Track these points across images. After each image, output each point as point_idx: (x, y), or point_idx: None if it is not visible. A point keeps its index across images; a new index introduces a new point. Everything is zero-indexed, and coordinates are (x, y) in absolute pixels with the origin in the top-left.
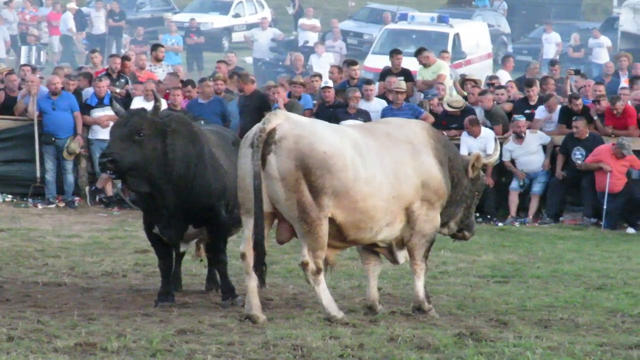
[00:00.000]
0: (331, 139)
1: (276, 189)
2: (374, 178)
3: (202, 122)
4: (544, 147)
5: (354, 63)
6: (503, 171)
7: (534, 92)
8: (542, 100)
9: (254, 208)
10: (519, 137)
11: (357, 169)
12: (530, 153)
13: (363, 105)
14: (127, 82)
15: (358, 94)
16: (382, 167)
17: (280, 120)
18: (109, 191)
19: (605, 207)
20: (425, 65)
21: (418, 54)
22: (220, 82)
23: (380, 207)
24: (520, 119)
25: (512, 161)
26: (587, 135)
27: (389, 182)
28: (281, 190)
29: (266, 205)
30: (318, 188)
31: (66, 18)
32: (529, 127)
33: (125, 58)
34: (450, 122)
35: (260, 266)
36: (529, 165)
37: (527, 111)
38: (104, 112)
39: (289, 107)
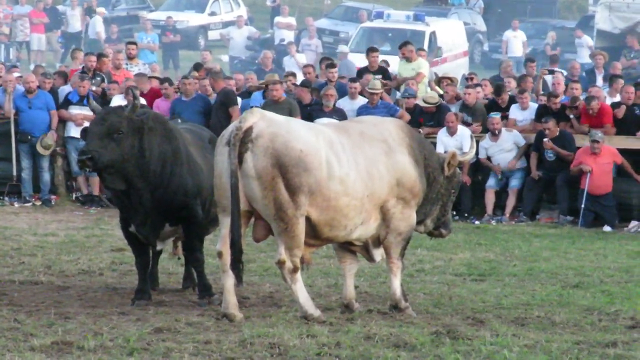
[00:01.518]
0: (307, 137)
1: (253, 187)
2: (348, 177)
3: (179, 121)
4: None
5: (333, 66)
6: (479, 169)
7: (503, 99)
8: (512, 101)
9: (231, 206)
10: (494, 135)
11: (332, 168)
12: (505, 151)
13: (347, 103)
14: (103, 80)
15: (332, 91)
16: (357, 166)
17: (256, 119)
18: (85, 189)
19: (583, 206)
20: (408, 60)
21: (402, 46)
22: (195, 80)
23: (353, 205)
24: (495, 116)
25: (488, 158)
26: (558, 133)
27: (363, 181)
28: (258, 188)
29: (243, 203)
30: (294, 186)
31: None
32: (504, 126)
33: (102, 56)
34: (426, 120)
35: (237, 264)
36: (504, 162)
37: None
38: (81, 111)
39: (287, 106)
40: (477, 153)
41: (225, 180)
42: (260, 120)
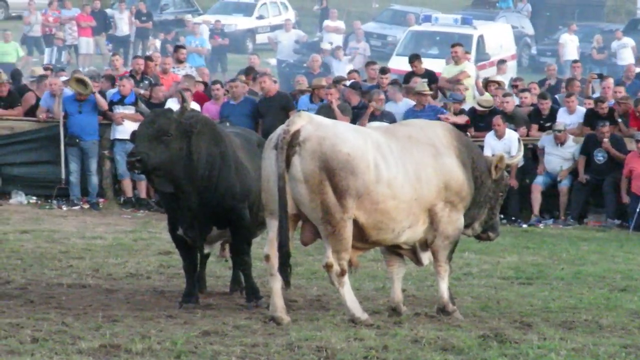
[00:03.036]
0: (354, 141)
1: (300, 190)
2: (396, 180)
3: (228, 124)
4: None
5: (385, 71)
6: (527, 172)
7: (547, 104)
8: (553, 109)
9: (279, 210)
10: (560, 142)
11: (380, 171)
12: (563, 158)
13: (391, 106)
14: (150, 84)
15: (382, 96)
16: (404, 169)
17: (304, 122)
18: (129, 192)
19: (638, 210)
20: (456, 62)
21: (453, 46)
22: (243, 84)
23: (401, 208)
24: (561, 129)
25: (542, 151)
26: (609, 137)
27: (411, 184)
28: (305, 192)
29: (290, 206)
30: (342, 189)
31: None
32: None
33: (148, 59)
34: (477, 121)
35: (285, 268)
36: (556, 165)
37: (541, 122)
38: (124, 110)
39: (341, 110)
40: (525, 155)
41: (273, 183)
42: (308, 123)
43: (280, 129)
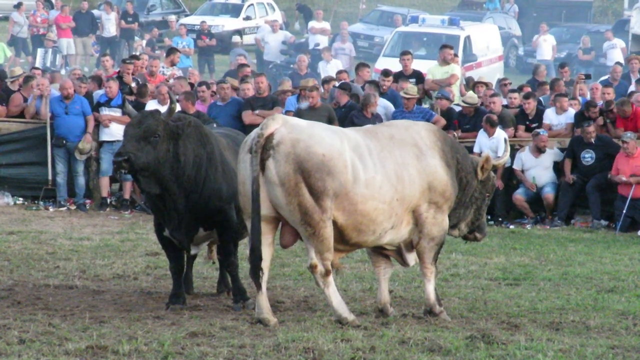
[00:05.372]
0: (329, 141)
1: (276, 193)
2: (374, 180)
3: (215, 125)
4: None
5: (387, 74)
6: (514, 174)
7: (531, 105)
8: (540, 114)
9: (251, 213)
10: (539, 151)
11: (357, 171)
12: (543, 168)
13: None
14: (138, 84)
15: (376, 99)
16: (384, 169)
17: (278, 125)
18: (104, 192)
19: (624, 211)
20: (445, 62)
21: (442, 49)
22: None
23: (381, 209)
24: (543, 133)
25: (522, 171)
26: (595, 137)
27: (391, 185)
28: (281, 194)
29: (269, 209)
30: (319, 190)
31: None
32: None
33: (134, 57)
34: (462, 123)
35: (257, 271)
36: (538, 178)
37: (527, 123)
38: (110, 112)
39: (325, 112)
40: (512, 160)
41: (249, 187)
42: (282, 126)
43: (254, 133)
